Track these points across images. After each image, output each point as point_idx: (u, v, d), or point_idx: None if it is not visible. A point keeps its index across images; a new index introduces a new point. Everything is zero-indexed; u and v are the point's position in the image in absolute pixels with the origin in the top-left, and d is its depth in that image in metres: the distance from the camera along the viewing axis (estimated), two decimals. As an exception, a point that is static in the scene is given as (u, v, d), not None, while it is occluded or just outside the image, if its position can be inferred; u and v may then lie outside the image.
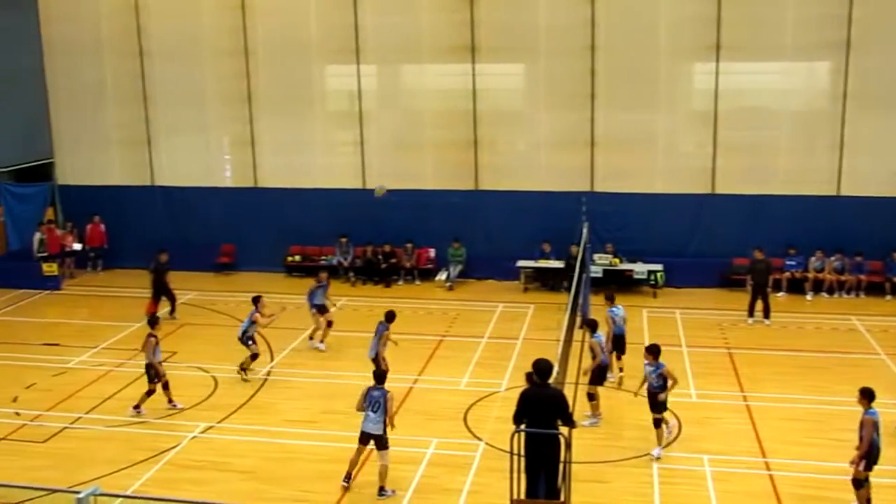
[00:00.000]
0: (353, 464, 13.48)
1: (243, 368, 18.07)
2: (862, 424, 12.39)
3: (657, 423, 14.39)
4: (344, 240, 25.84)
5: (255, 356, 18.12)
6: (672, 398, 16.48)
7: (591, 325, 16.23)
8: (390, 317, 17.16)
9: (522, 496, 11.45)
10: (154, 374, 16.30)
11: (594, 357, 15.75)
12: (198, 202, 26.80)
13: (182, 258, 24.03)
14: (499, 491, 12.91)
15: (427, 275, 25.72)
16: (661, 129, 24.62)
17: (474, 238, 25.56)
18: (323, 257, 26.15)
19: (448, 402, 16.84)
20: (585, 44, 24.24)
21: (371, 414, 13.25)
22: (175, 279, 22.53)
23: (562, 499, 11.36)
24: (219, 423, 15.97)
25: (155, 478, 13.95)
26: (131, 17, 26.34)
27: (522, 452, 11.39)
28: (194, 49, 26.27)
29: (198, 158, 27.30)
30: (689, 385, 17.58)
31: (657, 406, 14.41)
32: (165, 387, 16.51)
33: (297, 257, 26.36)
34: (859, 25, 23.08)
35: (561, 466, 11.49)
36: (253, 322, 18.17)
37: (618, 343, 17.36)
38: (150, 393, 16.32)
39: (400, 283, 25.48)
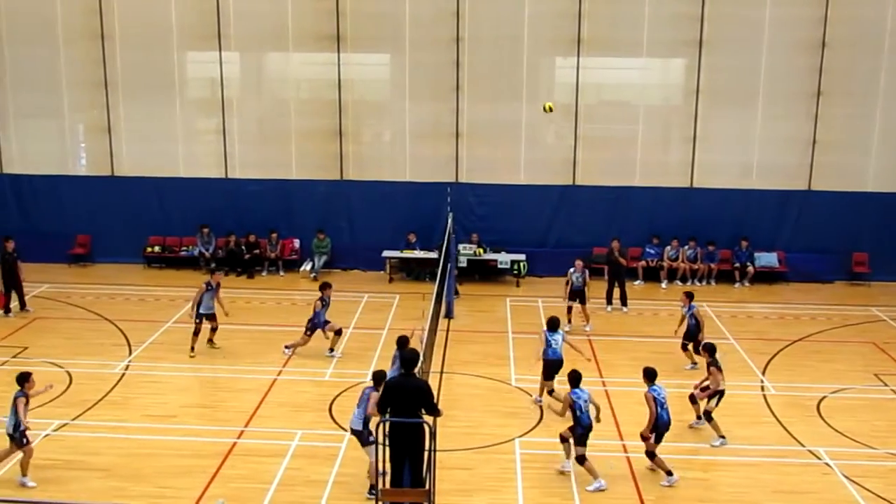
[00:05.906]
0: None
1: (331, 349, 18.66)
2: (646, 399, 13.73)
3: (580, 460, 13.57)
4: (206, 230, 25.26)
5: (339, 331, 18.73)
6: (532, 385, 16.82)
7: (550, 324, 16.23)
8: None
9: (388, 485, 11.52)
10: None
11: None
12: (50, 191, 25.61)
13: (33, 249, 22.98)
14: (364, 481, 12.98)
15: (291, 265, 25.47)
16: (525, 121, 25.06)
17: (339, 228, 25.48)
18: (184, 248, 25.51)
19: (313, 394, 16.73)
20: (451, 35, 24.42)
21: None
22: (26, 271, 21.40)
23: (427, 487, 11.46)
24: (73, 420, 15.34)
25: (4, 479, 13.26)
26: (-22, -4, 25.00)
27: (388, 442, 11.44)
28: (48, 31, 25.00)
29: (51, 145, 26.11)
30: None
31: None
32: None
33: (157, 248, 25.62)
34: (711, 25, 24.09)
35: (426, 455, 11.59)
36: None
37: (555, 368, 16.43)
38: None
39: (263, 274, 25.11)
